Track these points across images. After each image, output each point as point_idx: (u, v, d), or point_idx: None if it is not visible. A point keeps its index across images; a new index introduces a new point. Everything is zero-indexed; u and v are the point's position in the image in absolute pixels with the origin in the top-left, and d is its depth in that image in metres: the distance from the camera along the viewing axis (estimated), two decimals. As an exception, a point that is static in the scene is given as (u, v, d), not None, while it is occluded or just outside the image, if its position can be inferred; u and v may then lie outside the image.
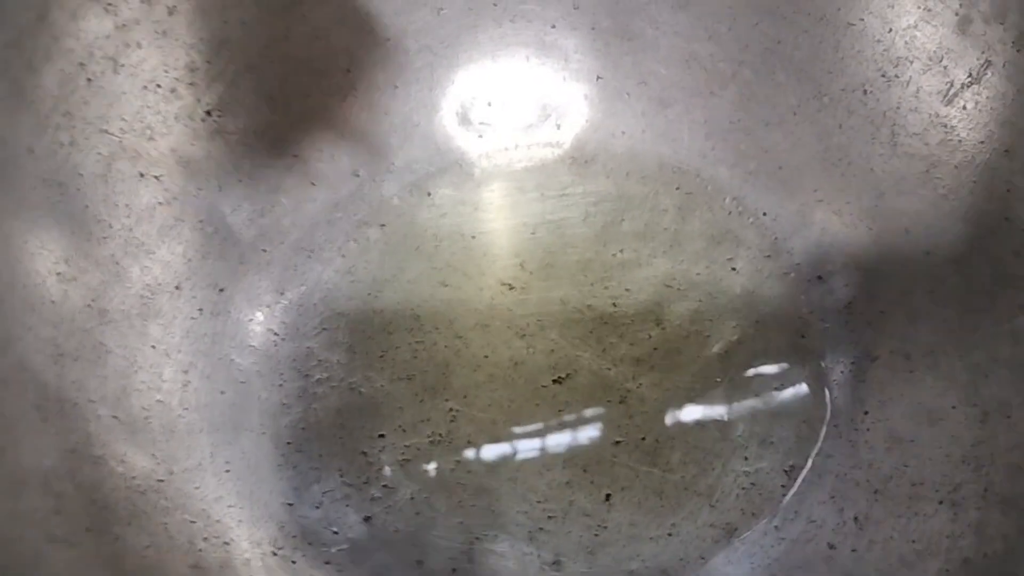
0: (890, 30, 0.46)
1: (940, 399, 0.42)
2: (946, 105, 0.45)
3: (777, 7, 0.48)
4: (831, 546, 0.41)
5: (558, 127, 0.52)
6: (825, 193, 0.48)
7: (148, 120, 0.43)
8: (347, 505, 0.43)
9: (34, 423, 0.36)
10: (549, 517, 0.43)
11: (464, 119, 0.51)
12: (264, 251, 0.47)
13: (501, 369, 0.46)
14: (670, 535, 0.43)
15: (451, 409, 0.45)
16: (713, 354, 0.46)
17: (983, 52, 0.43)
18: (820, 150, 0.49)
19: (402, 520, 0.43)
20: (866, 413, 0.44)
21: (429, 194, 0.51)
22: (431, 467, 0.44)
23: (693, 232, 0.49)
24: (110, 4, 0.41)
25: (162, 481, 0.40)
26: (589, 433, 0.45)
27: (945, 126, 0.45)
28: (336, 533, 0.42)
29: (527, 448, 0.44)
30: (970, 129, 0.44)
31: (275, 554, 0.41)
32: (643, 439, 0.44)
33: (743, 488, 0.43)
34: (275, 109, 0.47)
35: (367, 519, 0.43)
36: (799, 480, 0.43)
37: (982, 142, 0.43)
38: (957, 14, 0.44)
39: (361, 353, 0.47)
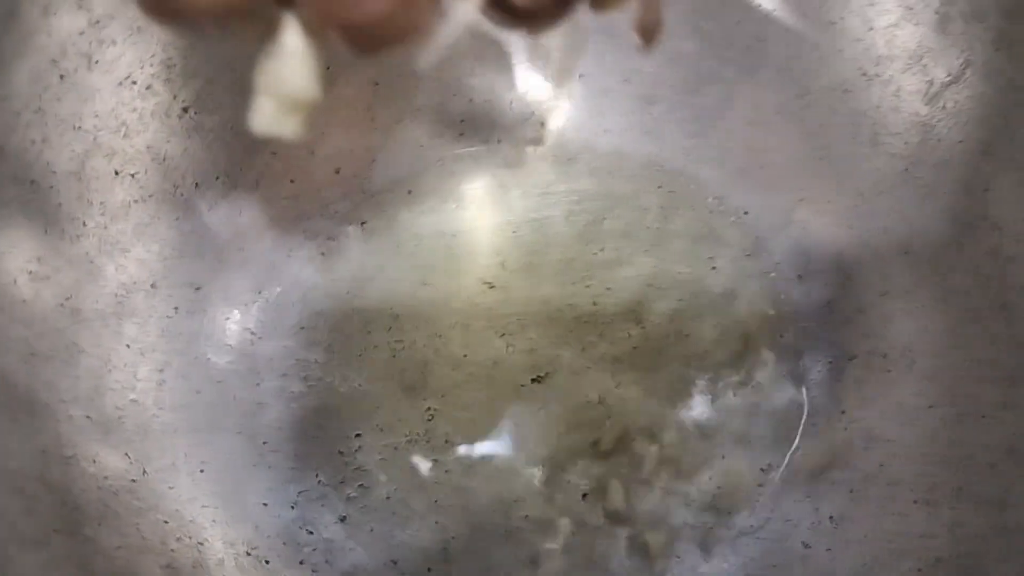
0: (871, 29, 0.46)
1: (917, 399, 0.42)
2: (926, 104, 0.45)
3: (759, 5, 0.48)
4: (806, 545, 0.41)
5: (541, 125, 0.52)
6: (807, 192, 0.48)
7: (123, 117, 0.43)
8: (323, 505, 0.43)
9: (3, 424, 0.36)
10: (525, 516, 0.43)
11: (443, 115, 0.51)
12: (241, 249, 0.47)
13: (480, 368, 0.46)
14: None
15: (429, 408, 0.45)
16: (693, 353, 0.46)
17: (963, 51, 0.43)
18: (802, 149, 0.49)
19: (378, 520, 0.43)
20: (843, 412, 0.44)
21: (410, 192, 0.50)
22: (408, 467, 0.44)
23: (675, 231, 0.49)
24: (84, 0, 0.41)
25: (135, 481, 0.40)
26: (568, 432, 0.45)
27: (925, 125, 0.45)
28: (311, 533, 0.42)
29: (505, 447, 0.44)
30: (950, 128, 0.44)
31: (249, 554, 0.41)
32: (622, 438, 0.44)
33: (719, 487, 0.43)
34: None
35: (343, 519, 0.43)
36: (776, 479, 0.43)
37: (961, 141, 0.43)
38: (937, 13, 0.44)
39: (339, 352, 0.46)
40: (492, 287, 0.48)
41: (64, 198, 0.41)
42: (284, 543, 0.42)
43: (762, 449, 0.44)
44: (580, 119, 0.51)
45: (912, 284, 0.44)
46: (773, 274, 0.48)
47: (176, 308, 0.45)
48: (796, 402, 0.45)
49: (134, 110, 0.43)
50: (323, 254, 0.49)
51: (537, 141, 0.51)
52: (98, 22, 0.41)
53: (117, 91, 0.43)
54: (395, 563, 0.42)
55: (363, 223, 0.49)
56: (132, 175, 0.44)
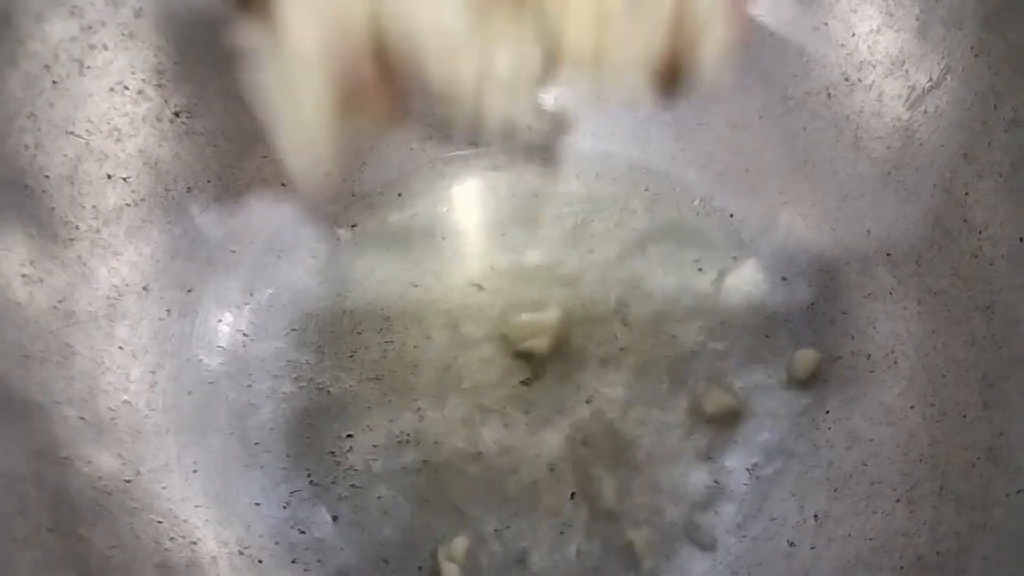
0: (853, 34, 0.47)
1: (899, 399, 0.43)
2: (908, 109, 0.45)
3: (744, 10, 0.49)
4: (791, 543, 0.42)
5: (529, 129, 0.52)
6: (790, 195, 0.49)
7: (115, 122, 0.43)
8: (314, 505, 0.43)
9: (-2, 425, 0.37)
10: (515, 515, 0.43)
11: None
12: (233, 252, 0.47)
13: (469, 370, 0.47)
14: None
15: (419, 409, 0.46)
16: (679, 355, 0.47)
17: (943, 57, 0.44)
18: (785, 153, 0.49)
19: (369, 520, 0.43)
20: (827, 412, 0.44)
21: (400, 195, 0.51)
22: (398, 467, 0.44)
23: (661, 233, 0.50)
24: (75, 7, 0.41)
25: (129, 481, 0.40)
26: (555, 433, 0.45)
27: (906, 129, 0.45)
28: (303, 533, 0.43)
29: (494, 448, 0.45)
30: (931, 133, 0.45)
31: (242, 553, 0.41)
32: (609, 439, 0.45)
33: (706, 486, 0.44)
34: (244, 110, 0.47)
35: (334, 519, 0.43)
36: (761, 478, 0.44)
37: (942, 145, 0.44)
38: (918, 19, 0.45)
39: (330, 353, 0.47)
40: (481, 289, 0.49)
41: (57, 202, 0.41)
42: (276, 543, 0.42)
43: (748, 449, 0.44)
44: (567, 123, 0.52)
45: (895, 286, 0.45)
46: (758, 275, 0.48)
47: (168, 310, 0.45)
48: (781, 402, 0.45)
49: (126, 115, 0.44)
50: (314, 256, 0.49)
51: (525, 145, 0.52)
52: (90, 28, 0.42)
53: (109, 96, 0.43)
54: (386, 562, 0.42)
55: (353, 225, 0.50)
56: (124, 179, 0.44)
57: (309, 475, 0.44)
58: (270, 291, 0.48)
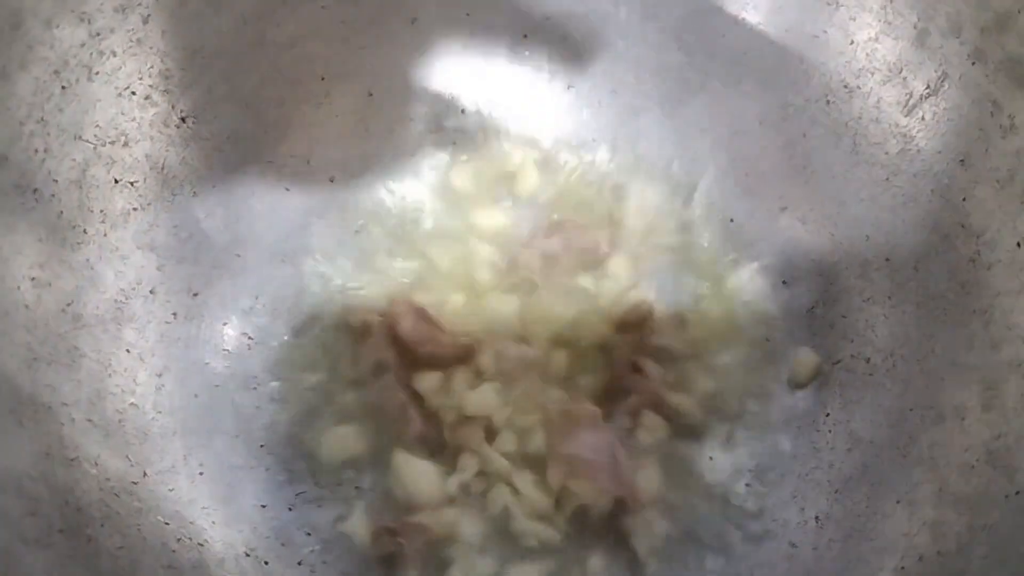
0: (852, 42, 0.47)
1: (898, 401, 0.43)
2: (906, 116, 0.46)
3: (744, 19, 0.49)
4: (792, 544, 0.42)
5: (531, 135, 0.52)
6: (790, 200, 0.49)
7: (123, 127, 0.44)
8: (320, 506, 0.43)
9: (8, 426, 0.37)
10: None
11: (438, 126, 0.52)
12: (238, 256, 0.48)
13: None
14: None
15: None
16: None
17: (940, 65, 0.44)
18: (785, 158, 0.50)
19: (376, 520, 0.43)
20: (827, 415, 0.45)
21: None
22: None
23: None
24: (85, 13, 0.41)
25: (136, 483, 0.40)
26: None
27: (904, 136, 0.46)
28: (309, 534, 0.43)
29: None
30: (928, 139, 0.45)
31: (248, 555, 0.42)
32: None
33: (707, 488, 0.44)
34: (249, 116, 0.48)
35: (339, 520, 0.43)
36: (762, 480, 0.44)
37: (939, 152, 0.44)
38: (915, 27, 0.45)
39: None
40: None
41: (65, 206, 0.41)
42: (283, 544, 0.42)
43: (749, 451, 0.45)
44: (569, 129, 0.52)
45: (893, 290, 0.45)
46: (758, 280, 0.49)
47: (174, 314, 0.45)
48: (781, 405, 0.46)
49: (133, 120, 0.44)
50: (317, 260, 0.49)
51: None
52: (98, 34, 0.42)
53: (117, 101, 0.43)
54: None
55: (356, 231, 0.50)
56: (131, 183, 0.44)
57: (314, 477, 0.44)
58: (275, 295, 0.48)
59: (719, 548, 0.43)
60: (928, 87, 0.45)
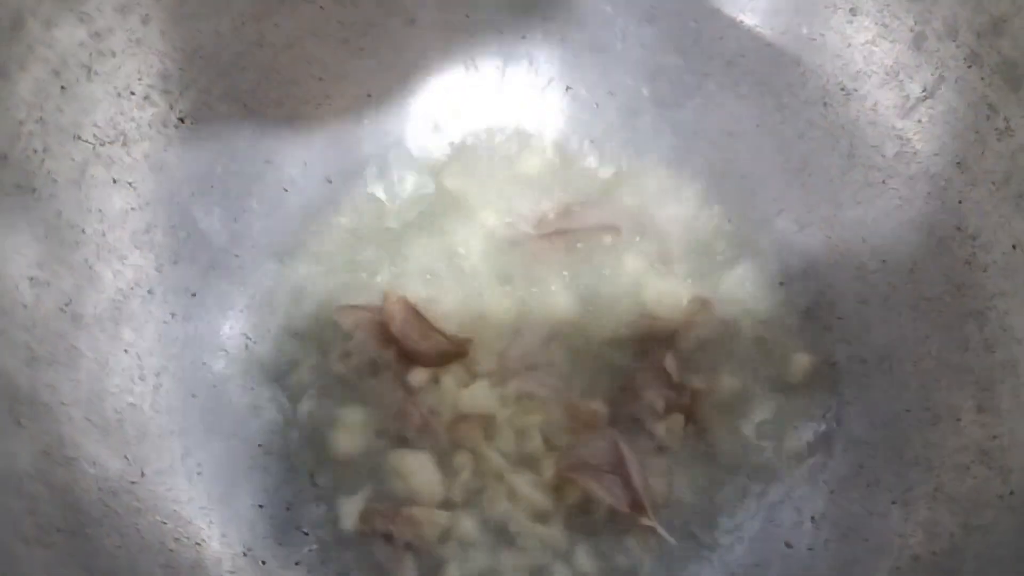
0: (849, 45, 0.48)
1: (894, 402, 0.43)
2: (902, 118, 0.46)
3: (741, 21, 0.50)
4: (788, 545, 0.42)
5: (528, 136, 0.53)
6: (786, 202, 0.50)
7: (122, 127, 0.44)
8: (317, 506, 0.43)
9: (7, 426, 0.37)
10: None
11: (436, 127, 0.52)
12: (236, 256, 0.48)
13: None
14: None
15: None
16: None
17: (937, 68, 0.45)
18: (782, 160, 0.50)
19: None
20: (823, 416, 0.45)
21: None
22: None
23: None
24: (84, 13, 0.41)
25: (134, 483, 0.40)
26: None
27: (901, 138, 0.46)
28: (307, 534, 0.43)
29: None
30: (924, 141, 0.45)
31: (246, 555, 0.42)
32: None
33: (704, 488, 0.44)
34: (248, 116, 0.48)
35: (336, 520, 0.43)
36: (759, 480, 0.44)
37: (936, 154, 0.45)
38: (912, 31, 0.45)
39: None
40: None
41: (64, 205, 0.41)
42: (280, 544, 0.42)
43: (745, 452, 0.45)
44: (567, 131, 0.52)
45: (889, 292, 0.46)
46: (755, 281, 0.49)
47: (173, 314, 0.45)
48: (778, 406, 0.46)
49: (132, 120, 0.44)
50: (315, 260, 0.49)
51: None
52: (98, 34, 0.42)
53: (116, 101, 0.43)
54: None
55: (354, 230, 0.50)
56: (130, 183, 0.44)
57: (311, 477, 0.44)
58: (273, 295, 0.48)
59: (716, 547, 0.43)
60: (925, 90, 0.45)
